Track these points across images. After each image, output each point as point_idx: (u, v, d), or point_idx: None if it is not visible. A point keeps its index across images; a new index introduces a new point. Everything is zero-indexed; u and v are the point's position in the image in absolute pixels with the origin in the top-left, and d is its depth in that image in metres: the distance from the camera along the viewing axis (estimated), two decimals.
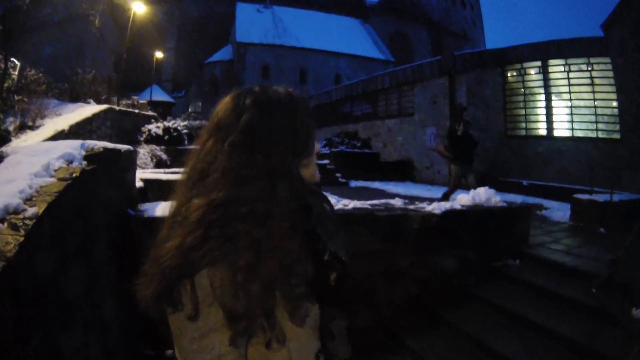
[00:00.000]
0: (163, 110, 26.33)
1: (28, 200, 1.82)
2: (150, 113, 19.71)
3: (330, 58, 32.73)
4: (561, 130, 12.04)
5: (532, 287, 4.21)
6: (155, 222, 2.94)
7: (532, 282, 4.26)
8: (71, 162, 2.39)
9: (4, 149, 2.84)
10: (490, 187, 5.36)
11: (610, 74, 10.59)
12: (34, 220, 1.64)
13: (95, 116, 10.31)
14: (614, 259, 3.58)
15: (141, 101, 24.37)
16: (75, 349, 1.96)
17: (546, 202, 7.96)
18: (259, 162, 0.79)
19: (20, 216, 1.68)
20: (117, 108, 13.94)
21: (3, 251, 1.43)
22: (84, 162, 2.44)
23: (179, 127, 14.94)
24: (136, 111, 17.19)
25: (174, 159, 11.64)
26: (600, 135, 11.12)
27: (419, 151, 15.70)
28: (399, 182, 14.09)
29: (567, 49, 11.73)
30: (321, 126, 20.95)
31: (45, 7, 16.27)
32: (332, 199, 4.54)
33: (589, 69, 11.29)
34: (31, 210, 1.69)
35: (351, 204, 4.51)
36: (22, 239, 1.50)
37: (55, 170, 2.20)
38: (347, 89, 21.71)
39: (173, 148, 12.94)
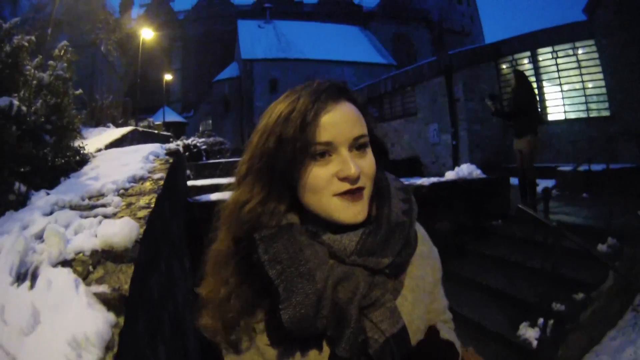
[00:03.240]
0: (175, 130, 27.38)
1: (150, 172, 2.74)
2: (167, 133, 20.78)
3: (335, 67, 33.41)
4: (555, 114, 12.60)
5: (512, 237, 5.32)
6: (215, 204, 3.90)
7: (512, 234, 5.37)
8: (158, 156, 3.32)
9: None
10: (493, 172, 6.34)
11: (596, 55, 11.15)
12: (163, 181, 2.55)
13: (124, 137, 11.26)
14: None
15: (156, 122, 25.51)
16: (179, 276, 2.84)
17: (539, 181, 8.56)
18: None
19: (149, 180, 2.60)
20: (140, 129, 14.98)
21: (153, 187, 2.33)
22: (167, 157, 3.36)
23: (198, 144, 15.99)
24: (156, 132, 18.26)
25: (196, 173, 12.56)
26: (592, 114, 11.65)
27: (424, 148, 16.42)
28: (409, 178, 14.73)
29: (554, 36, 12.23)
30: None
31: (56, 40, 17.36)
32: None
33: (575, 52, 11.84)
34: (158, 175, 2.62)
35: None
36: (160, 190, 2.39)
37: (153, 160, 3.11)
38: None
39: (194, 163, 13.89)
